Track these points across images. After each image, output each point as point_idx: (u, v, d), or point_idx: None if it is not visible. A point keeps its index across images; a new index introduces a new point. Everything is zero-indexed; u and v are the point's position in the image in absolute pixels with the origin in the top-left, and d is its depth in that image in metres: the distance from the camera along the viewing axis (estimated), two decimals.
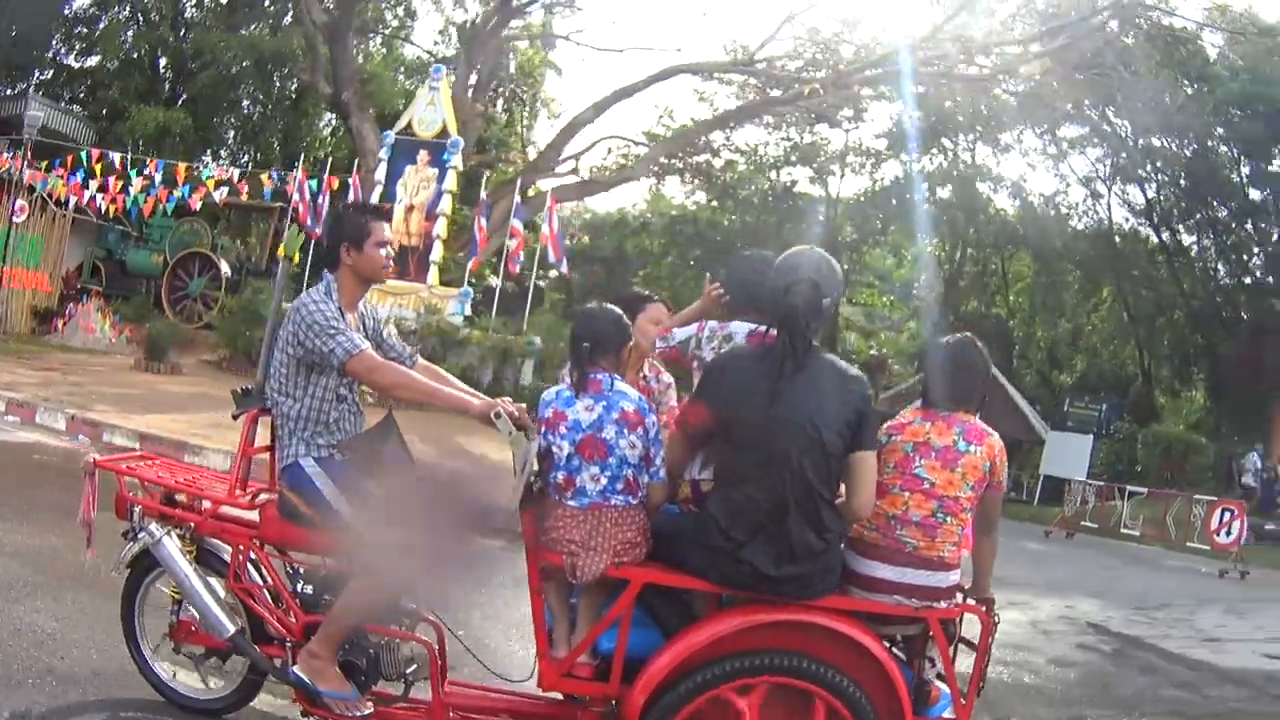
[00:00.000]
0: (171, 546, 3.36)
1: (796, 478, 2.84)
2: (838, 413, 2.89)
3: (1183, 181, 28.07)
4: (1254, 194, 28.21)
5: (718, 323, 3.44)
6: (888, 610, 3.06)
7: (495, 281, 18.16)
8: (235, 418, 3.71)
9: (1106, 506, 18.22)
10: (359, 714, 3.24)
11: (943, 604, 3.09)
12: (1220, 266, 29.51)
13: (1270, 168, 26.89)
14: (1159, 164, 28.35)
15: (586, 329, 3.15)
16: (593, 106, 22.44)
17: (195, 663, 3.52)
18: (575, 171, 23.26)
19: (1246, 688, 6.84)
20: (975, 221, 30.21)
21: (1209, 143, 26.91)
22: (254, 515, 3.49)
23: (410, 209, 16.92)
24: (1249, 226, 28.51)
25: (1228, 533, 15.04)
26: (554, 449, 2.99)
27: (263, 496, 3.55)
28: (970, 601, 3.21)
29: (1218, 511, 15.68)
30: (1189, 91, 25.77)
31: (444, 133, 17.35)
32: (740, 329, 3.33)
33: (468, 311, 16.39)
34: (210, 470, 4.17)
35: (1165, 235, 30.13)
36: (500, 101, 29.51)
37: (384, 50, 28.98)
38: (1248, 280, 28.18)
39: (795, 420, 2.85)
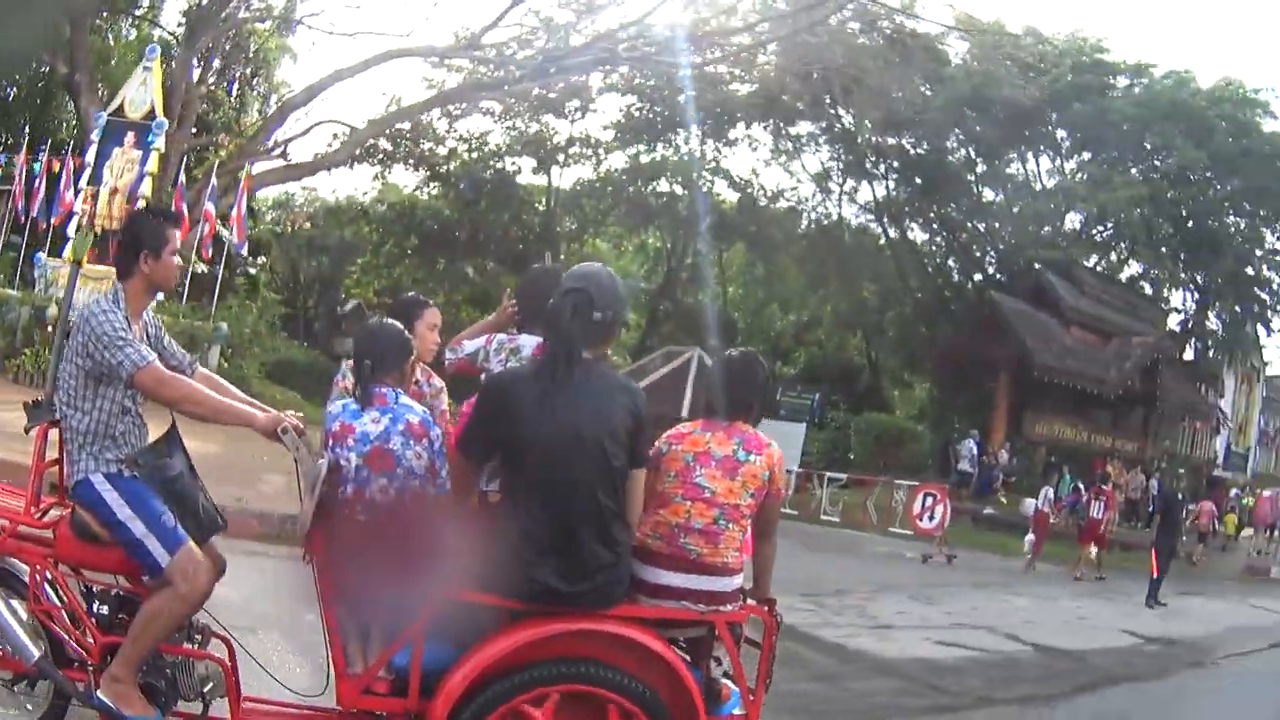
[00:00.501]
0: None
1: (584, 495, 2.99)
2: (618, 426, 3.06)
3: (917, 180, 30.58)
4: (987, 194, 31.22)
5: (506, 335, 3.56)
6: (675, 615, 3.26)
7: (201, 268, 18.38)
8: (27, 431, 3.62)
9: (806, 493, 18.95)
10: None
11: (728, 607, 3.32)
12: (952, 263, 32.29)
13: (1005, 169, 30.05)
14: (892, 162, 30.75)
15: (369, 347, 3.25)
16: (305, 89, 22.92)
17: (4, 688, 3.43)
18: (284, 155, 23.57)
19: (896, 678, 6.88)
20: (698, 214, 31.45)
21: (944, 144, 29.51)
22: (48, 534, 3.41)
23: (114, 192, 16.94)
24: (981, 225, 31.38)
25: (931, 517, 15.92)
26: (342, 462, 3.05)
27: (54, 513, 3.47)
28: (752, 603, 3.46)
29: (920, 496, 16.55)
30: (926, 92, 28.12)
31: (152, 114, 17.36)
32: (528, 342, 3.47)
33: (161, 297, 15.62)
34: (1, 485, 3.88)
35: (895, 231, 32.74)
36: (234, 85, 29.11)
37: (134, 32, 27.09)
38: (979, 277, 30.96)
39: (580, 435, 2.99)
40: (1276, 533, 22.25)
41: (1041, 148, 30.42)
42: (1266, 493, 23.53)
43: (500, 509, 3.14)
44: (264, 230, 32.14)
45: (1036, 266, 26.32)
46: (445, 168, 30.72)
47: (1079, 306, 24.94)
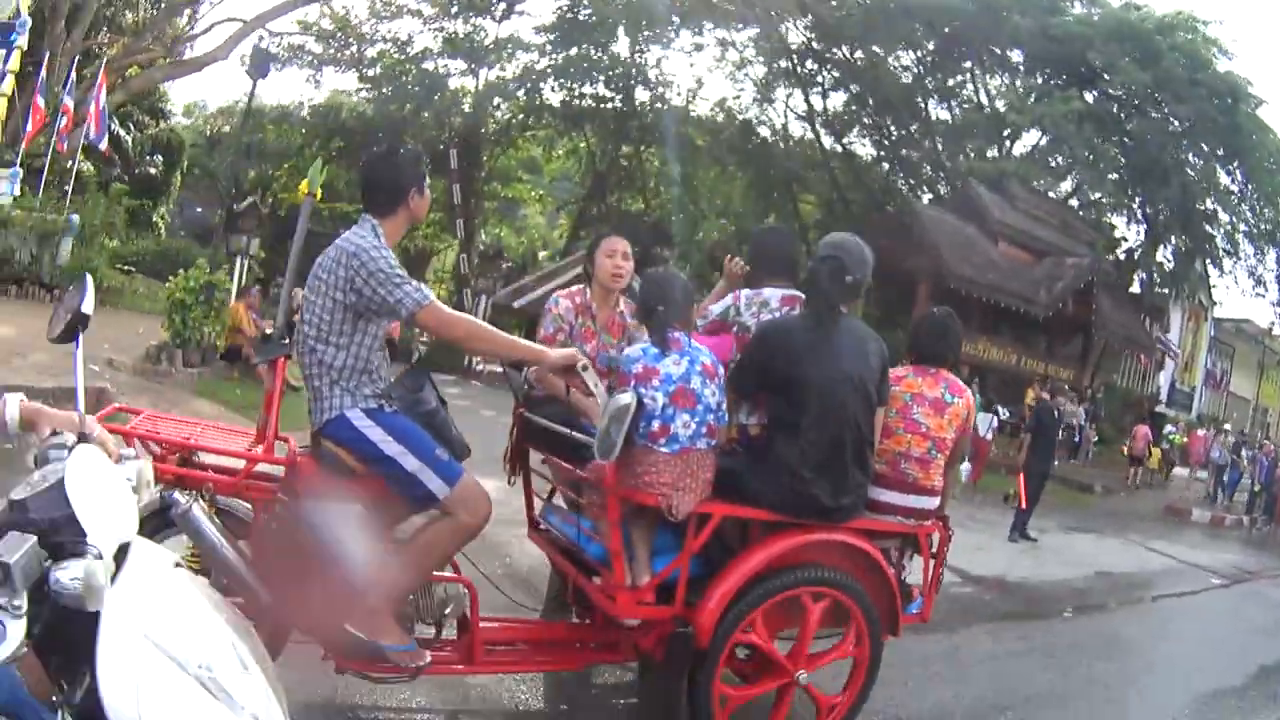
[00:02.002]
0: (200, 514, 3.05)
1: (851, 426, 3.76)
2: (874, 368, 3.86)
3: (857, 89, 31.47)
4: (936, 111, 32.06)
5: (751, 290, 4.20)
6: (893, 528, 4.11)
7: (73, 162, 19.23)
8: (256, 365, 3.92)
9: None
10: (420, 664, 3.47)
11: (927, 522, 4.20)
12: (902, 184, 33.20)
13: (958, 89, 30.71)
14: (833, 72, 31.60)
15: (659, 294, 3.78)
16: None
17: None
18: (167, 55, 24.27)
19: None
20: (628, 118, 32.17)
21: (889, 56, 30.24)
22: (278, 471, 3.58)
23: None
24: (928, 143, 32.10)
25: None
26: (647, 400, 3.58)
27: (283, 450, 3.65)
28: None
29: None
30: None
31: (17, 13, 17.14)
32: (773, 294, 4.15)
33: (16, 191, 16.85)
34: (203, 421, 4.07)
35: (836, 144, 33.69)
36: None
37: None
38: (929, 197, 31.68)
39: (848, 375, 3.75)
40: (1206, 474, 22.99)
41: (989, 64, 31.21)
42: (1200, 432, 24.42)
43: (771, 438, 3.83)
44: (172, 132, 33.05)
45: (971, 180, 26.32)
46: (372, 70, 31.26)
47: (1008, 221, 24.72)
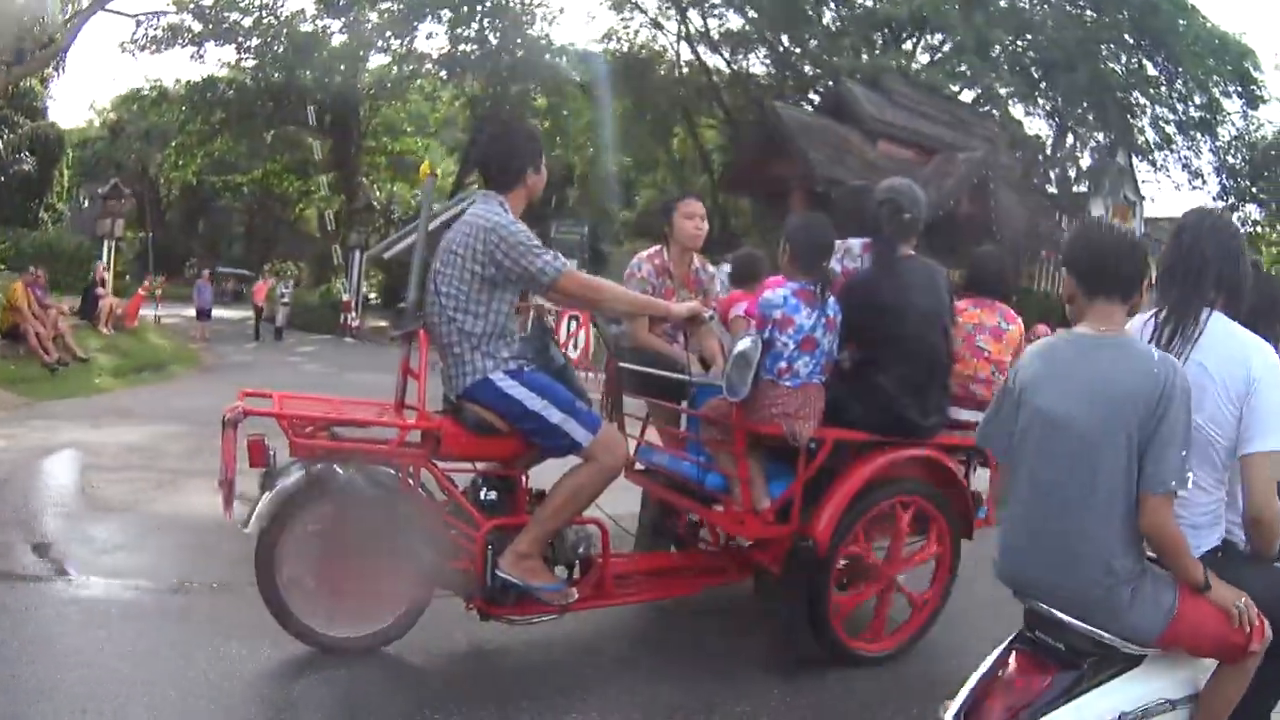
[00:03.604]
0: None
1: (932, 352, 4.58)
2: (946, 300, 4.69)
3: (751, 10, 31.79)
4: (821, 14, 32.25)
5: (839, 241, 4.81)
6: (967, 443, 4.89)
7: None
8: (393, 339, 4.41)
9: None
10: (569, 601, 4.07)
11: None
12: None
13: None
14: None
15: (817, 246, 4.44)
16: None
17: None
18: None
19: None
20: (504, 56, 32.73)
21: None
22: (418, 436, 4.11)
23: None
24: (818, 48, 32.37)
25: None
26: (779, 344, 4.29)
27: (418, 417, 4.16)
28: None
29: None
30: None
31: None
32: (855, 243, 4.86)
33: None
34: (329, 398, 4.58)
35: (730, 65, 34.29)
36: None
37: None
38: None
39: (922, 308, 4.53)
40: None
41: None
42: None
43: (866, 371, 4.54)
44: (51, 127, 34.94)
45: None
46: (250, 41, 32.16)
47: (888, 119, 24.50)
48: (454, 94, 38.10)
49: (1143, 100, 31.68)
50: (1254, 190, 34.70)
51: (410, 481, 4.04)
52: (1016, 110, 32.41)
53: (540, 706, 3.94)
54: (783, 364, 4.29)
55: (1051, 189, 31.37)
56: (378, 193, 39.71)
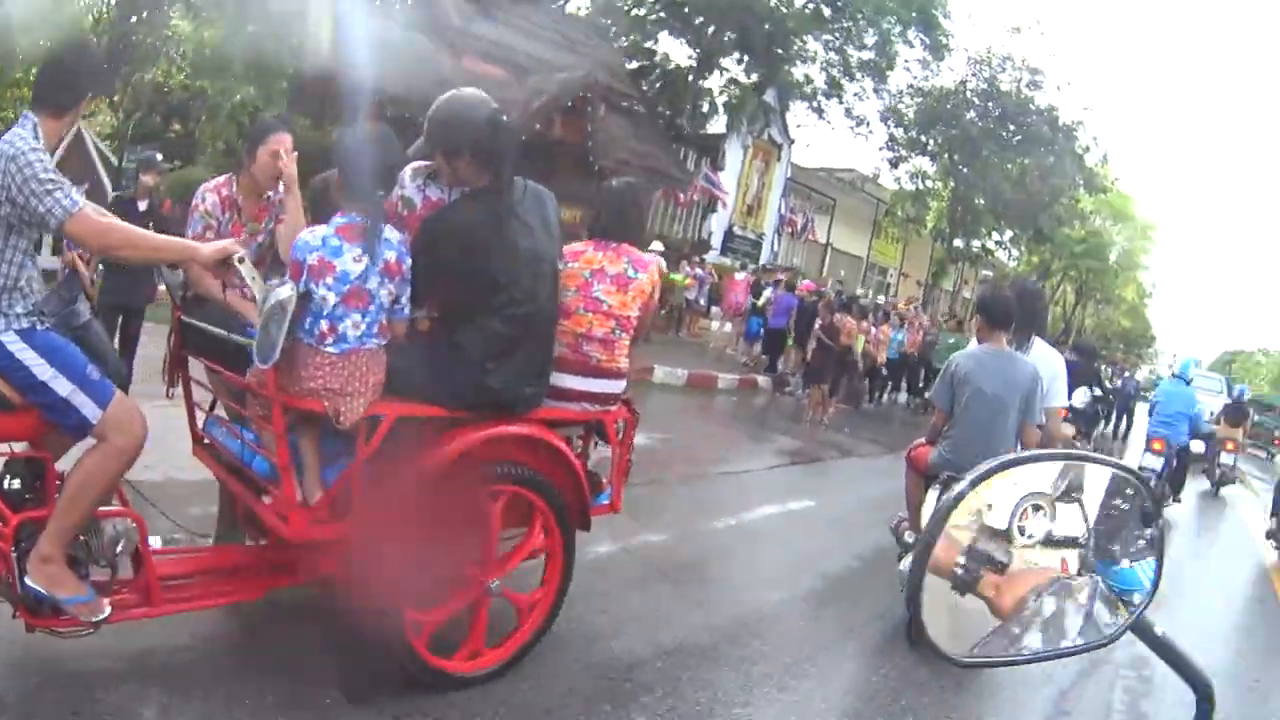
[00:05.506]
0: None
1: (540, 309, 3.88)
2: (557, 239, 4.00)
3: None
4: None
5: (420, 163, 4.04)
6: (577, 417, 4.34)
7: None
8: None
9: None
10: (101, 616, 3.47)
11: (613, 407, 4.50)
12: None
13: None
14: None
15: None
16: None
17: None
18: None
19: None
20: None
21: None
22: None
23: None
24: None
25: None
26: (317, 297, 3.56)
27: None
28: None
29: None
30: None
31: None
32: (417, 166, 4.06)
33: None
34: None
35: None
36: None
37: None
38: None
39: (540, 253, 3.86)
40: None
41: None
42: (739, 275, 24.09)
43: (449, 329, 3.83)
44: None
45: None
46: None
47: (478, 33, 22.46)
48: None
49: (814, 44, 31.13)
50: (924, 141, 35.61)
51: None
52: (669, 42, 31.23)
53: None
54: (324, 324, 3.58)
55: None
56: None
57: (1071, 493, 1.51)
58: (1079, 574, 1.53)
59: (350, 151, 3.71)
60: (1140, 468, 12.26)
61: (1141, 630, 1.53)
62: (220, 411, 4.72)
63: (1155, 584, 1.57)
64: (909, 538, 5.76)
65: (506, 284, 3.76)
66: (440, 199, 3.94)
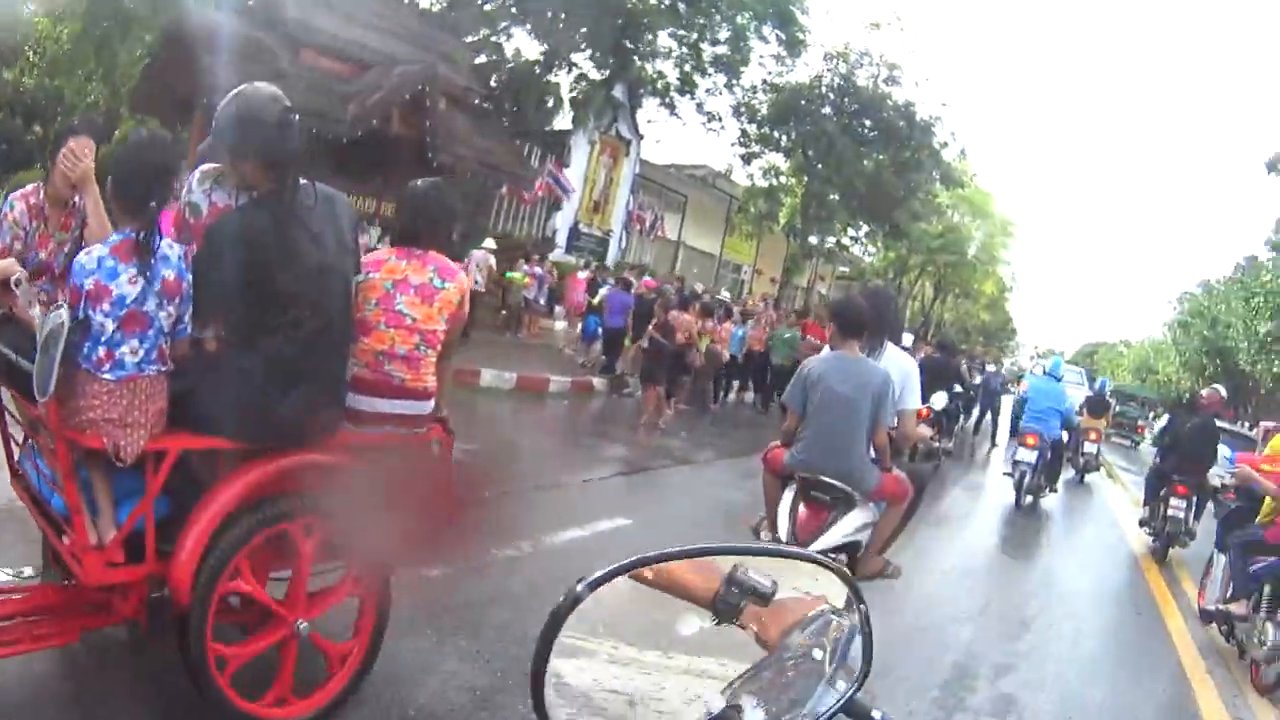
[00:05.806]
0: None
1: (328, 322, 3.69)
2: (352, 248, 3.84)
3: None
4: None
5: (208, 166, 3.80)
6: (381, 441, 4.10)
7: None
8: None
9: None
10: None
11: (423, 429, 4.29)
12: None
13: None
14: None
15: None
16: None
17: None
18: None
19: None
20: None
21: None
22: None
23: None
24: None
25: None
26: (95, 324, 3.37)
27: None
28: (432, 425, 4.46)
29: None
30: None
31: None
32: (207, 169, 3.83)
33: None
34: None
35: None
36: None
37: None
38: None
39: (332, 264, 3.68)
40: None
41: None
42: (581, 274, 24.00)
43: (232, 351, 3.59)
44: None
45: None
46: None
47: (317, 25, 21.41)
48: None
49: (668, 40, 30.68)
50: (777, 137, 35.49)
51: None
52: (522, 38, 30.39)
53: None
54: (101, 350, 3.39)
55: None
56: None
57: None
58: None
59: (120, 160, 3.52)
60: (1015, 461, 14.16)
61: (855, 714, 1.36)
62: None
63: (868, 662, 1.41)
64: (765, 536, 5.67)
65: (290, 299, 3.56)
66: (227, 205, 3.67)
